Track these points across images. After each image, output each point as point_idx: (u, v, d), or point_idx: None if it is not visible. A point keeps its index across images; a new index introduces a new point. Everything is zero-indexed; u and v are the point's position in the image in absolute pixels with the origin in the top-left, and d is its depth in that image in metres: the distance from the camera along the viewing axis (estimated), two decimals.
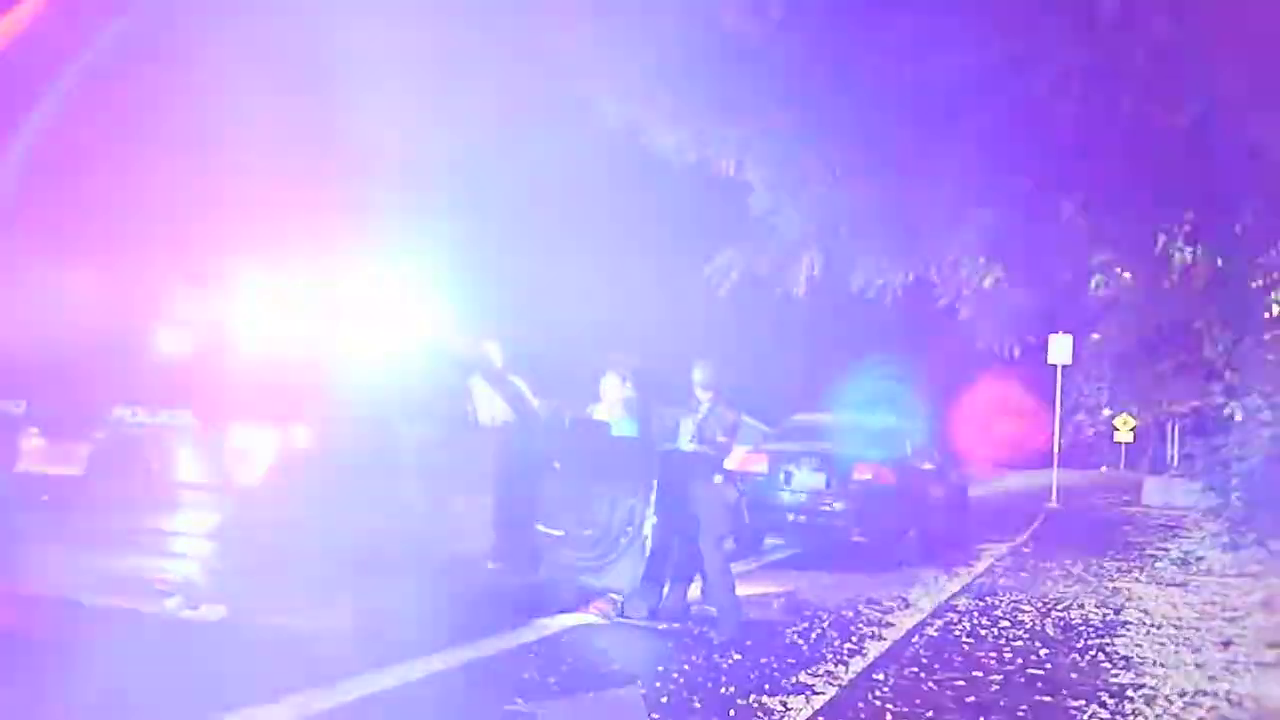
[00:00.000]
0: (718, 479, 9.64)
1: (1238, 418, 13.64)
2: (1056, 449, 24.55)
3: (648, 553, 8.81)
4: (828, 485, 13.32)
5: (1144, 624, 9.64)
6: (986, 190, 8.50)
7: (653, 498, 8.98)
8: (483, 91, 10.08)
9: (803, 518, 13.37)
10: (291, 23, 8.73)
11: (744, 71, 7.77)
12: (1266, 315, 9.05)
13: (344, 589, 6.59)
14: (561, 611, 8.74)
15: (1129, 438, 32.91)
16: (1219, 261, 9.24)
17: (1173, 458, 30.01)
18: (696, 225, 11.72)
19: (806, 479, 13.37)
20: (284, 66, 9.19)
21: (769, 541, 13.87)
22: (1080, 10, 6.31)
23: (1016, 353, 13.70)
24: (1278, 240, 8.78)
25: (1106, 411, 31.24)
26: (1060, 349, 21.10)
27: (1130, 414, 30.20)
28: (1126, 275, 12.84)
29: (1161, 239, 9.09)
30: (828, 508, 13.26)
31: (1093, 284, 12.15)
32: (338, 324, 7.79)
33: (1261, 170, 7.16)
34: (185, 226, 8.95)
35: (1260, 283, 8.84)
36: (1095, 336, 21.97)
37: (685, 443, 10.02)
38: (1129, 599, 11.01)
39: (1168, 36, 5.43)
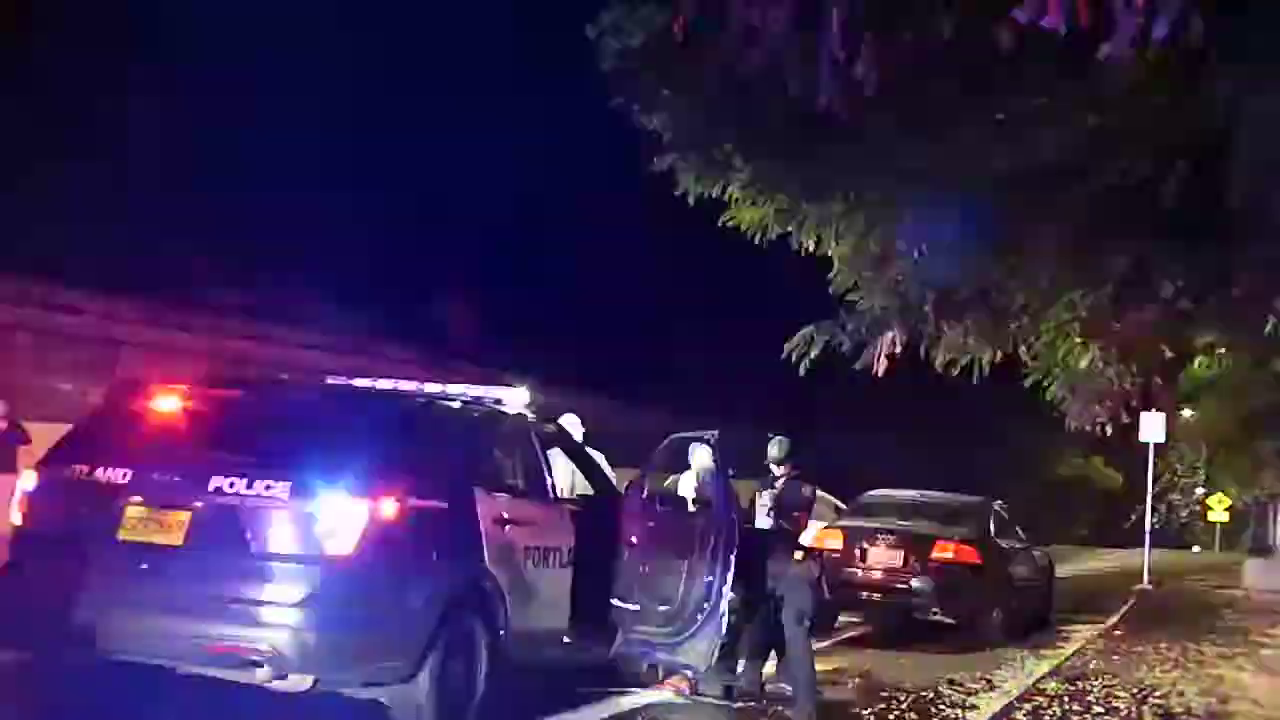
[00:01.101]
0: (798, 555, 9.53)
1: None
2: (1149, 528, 23.69)
3: (725, 630, 8.71)
4: (905, 563, 13.06)
5: (1254, 715, 9.16)
6: (1083, 268, 8.35)
7: (730, 574, 8.90)
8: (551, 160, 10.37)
9: (878, 595, 13.12)
10: None
11: (830, 149, 7.81)
12: None
13: (426, 661, 6.62)
14: (637, 688, 8.66)
15: (1224, 518, 31.66)
16: None
17: (1275, 539, 28.70)
18: (779, 300, 11.77)
19: (883, 556, 13.13)
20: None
21: (844, 619, 13.60)
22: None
23: (1108, 432, 13.33)
24: None
25: (1200, 491, 30.14)
26: (1153, 427, 20.52)
27: (1226, 494, 29.07)
28: (1222, 353, 12.46)
29: (1271, 320, 8.79)
30: (904, 585, 12.98)
31: (1196, 364, 11.78)
32: (424, 393, 7.94)
33: None
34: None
35: None
36: (1187, 413, 21.31)
37: (762, 517, 9.95)
38: (1235, 688, 10.48)
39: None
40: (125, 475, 6.50)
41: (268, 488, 6.29)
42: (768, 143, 8.75)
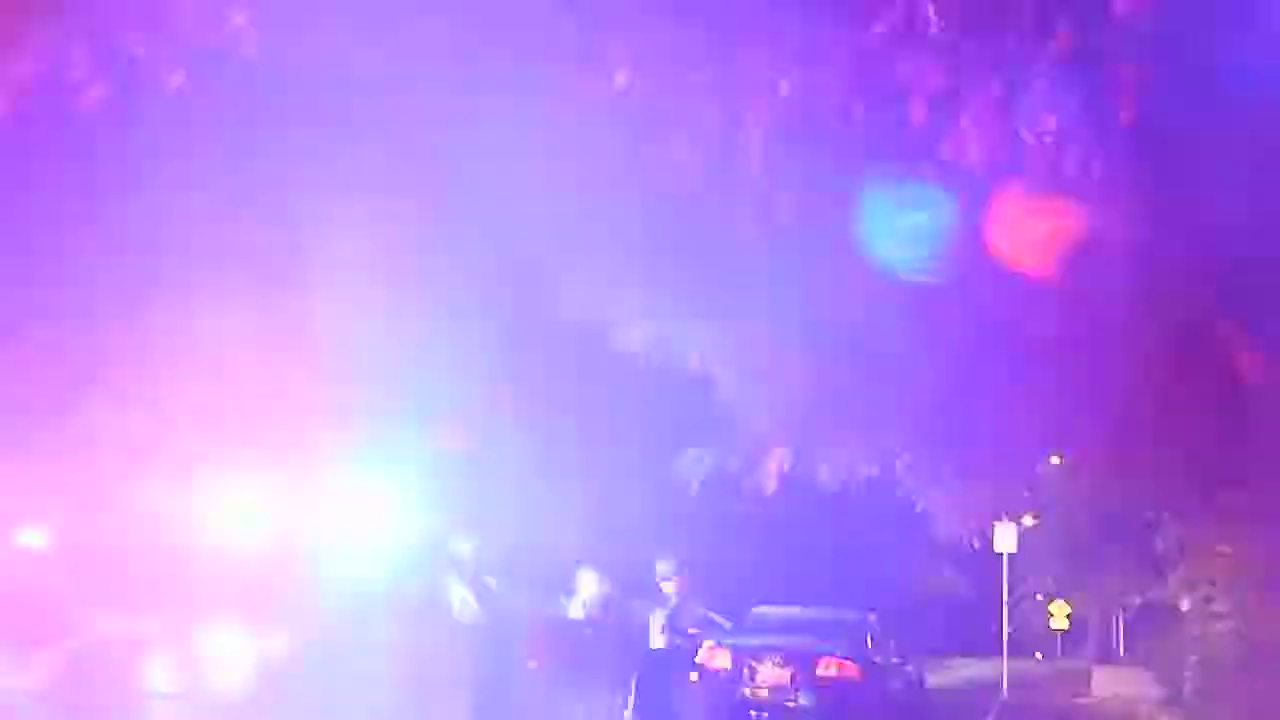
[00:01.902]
0: (693, 676, 9.51)
1: (1183, 608, 13.85)
2: (1005, 638, 24.45)
3: None
4: (792, 681, 13.15)
5: None
6: (956, 390, 8.85)
7: (630, 698, 8.83)
8: (446, 290, 10.33)
9: (766, 714, 13.12)
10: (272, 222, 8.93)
11: (722, 275, 8.12)
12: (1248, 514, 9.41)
13: None
14: None
15: (1064, 625, 32.89)
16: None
17: (1118, 646, 30.01)
18: (666, 420, 11.97)
19: (770, 674, 13.20)
20: (266, 263, 9.35)
21: None
22: None
23: (976, 544, 13.88)
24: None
25: (1040, 597, 31.35)
26: (1005, 537, 21.40)
27: (1067, 601, 30.28)
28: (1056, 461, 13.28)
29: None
30: (793, 703, 13.05)
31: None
32: (314, 524, 7.73)
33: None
34: (157, 422, 8.86)
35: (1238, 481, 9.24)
36: (1029, 521, 22.35)
37: (657, 637, 9.93)
38: None
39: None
40: None
41: None
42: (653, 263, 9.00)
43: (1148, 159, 4.16)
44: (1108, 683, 24.03)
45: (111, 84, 4.21)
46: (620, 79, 4.58)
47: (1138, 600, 19.23)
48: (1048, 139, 3.82)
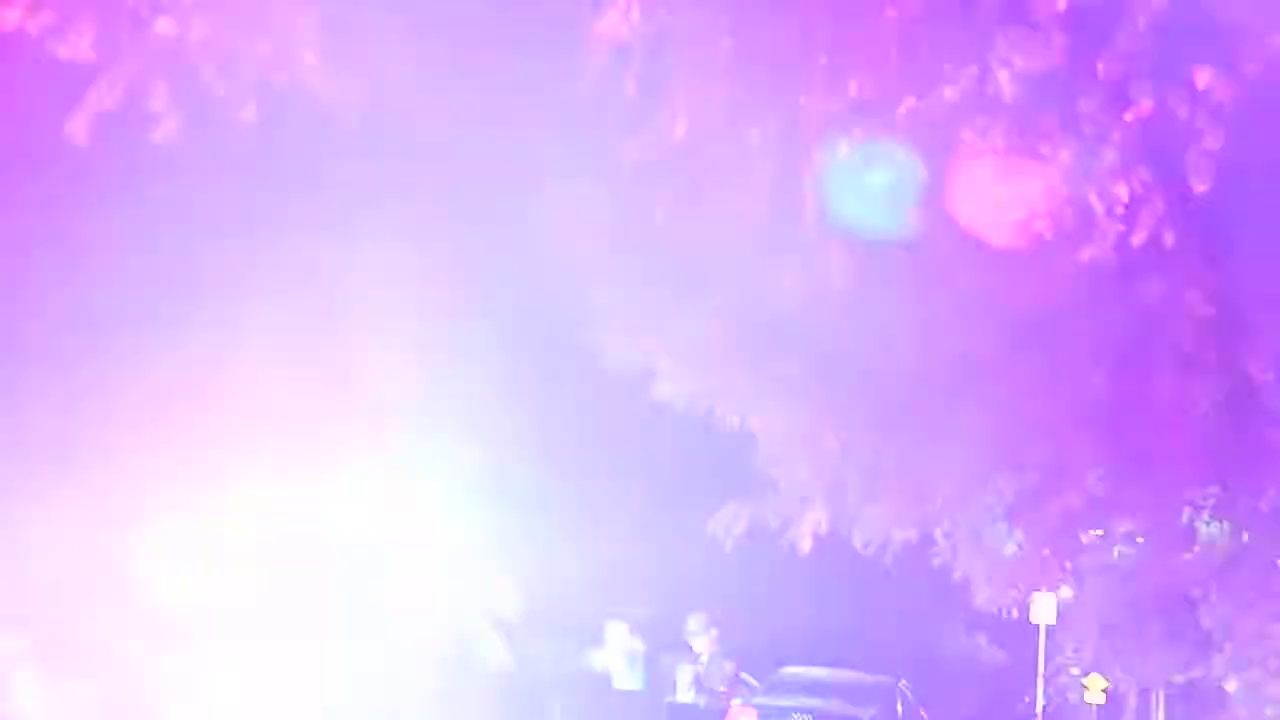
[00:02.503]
0: None
1: (1230, 689, 13.40)
2: (1039, 710, 23.81)
3: None
4: None
5: None
6: (1005, 455, 8.67)
7: None
8: (491, 337, 10.35)
9: None
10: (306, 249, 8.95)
11: (769, 330, 8.03)
12: None
13: None
14: None
15: (1100, 699, 32.02)
16: (1244, 536, 9.38)
17: None
18: (703, 475, 11.83)
19: None
20: (298, 294, 9.38)
21: None
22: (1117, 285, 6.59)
23: (1015, 614, 13.53)
24: None
25: (1075, 670, 30.58)
26: (1043, 608, 20.89)
27: (1103, 675, 29.49)
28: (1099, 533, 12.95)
29: (1187, 511, 9.24)
30: None
31: (1115, 553, 12.23)
32: (352, 563, 7.67)
33: None
34: (194, 454, 8.87)
35: None
36: (1065, 592, 21.82)
37: (684, 691, 9.77)
38: None
39: (1205, 312, 5.75)
40: None
41: None
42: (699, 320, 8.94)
43: (1220, 232, 4.06)
44: None
45: (187, 116, 4.26)
46: (680, 128, 4.54)
47: (1180, 679, 18.63)
48: (1119, 208, 3.73)
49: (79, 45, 4.19)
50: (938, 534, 11.39)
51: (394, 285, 8.67)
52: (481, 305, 9.62)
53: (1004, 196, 3.93)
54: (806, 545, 11.07)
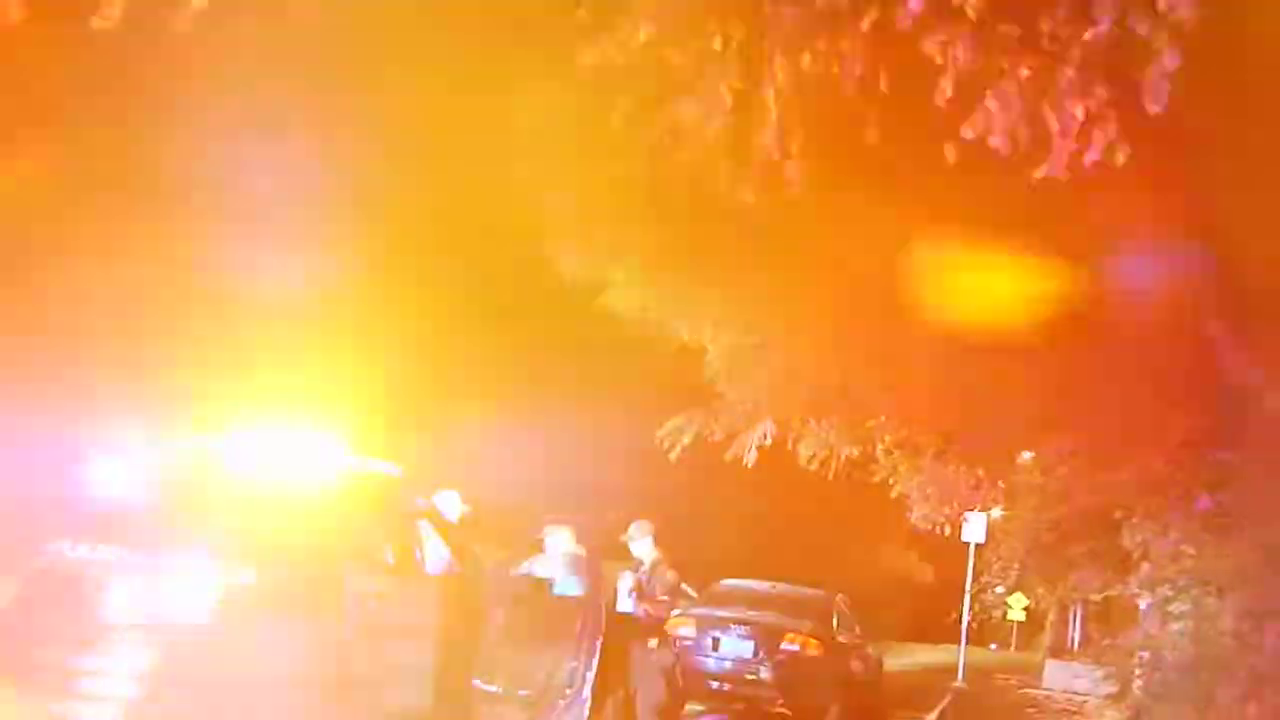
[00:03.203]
0: (653, 642, 9.53)
1: (1141, 606, 13.99)
2: (965, 627, 24.75)
3: (586, 716, 8.60)
4: (755, 654, 13.21)
5: None
6: (945, 376, 8.87)
7: (595, 660, 8.83)
8: (442, 242, 10.28)
9: (727, 685, 13.19)
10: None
11: (721, 246, 8.07)
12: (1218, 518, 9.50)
13: None
14: None
15: (1021, 617, 33.32)
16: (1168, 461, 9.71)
17: (1074, 641, 30.45)
18: (651, 387, 11.97)
19: (734, 646, 13.24)
20: (241, 196, 9.20)
21: (690, 708, 13.57)
22: None
23: (947, 531, 13.98)
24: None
25: (1000, 589, 31.67)
26: (975, 527, 21.60)
27: (1025, 594, 30.62)
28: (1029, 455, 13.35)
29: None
30: (754, 676, 13.11)
31: (1045, 473, 12.59)
32: (291, 459, 7.65)
33: None
34: (147, 358, 8.77)
35: (1210, 482, 9.31)
36: (997, 513, 22.56)
37: (624, 600, 9.94)
38: None
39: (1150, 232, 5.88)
40: None
41: None
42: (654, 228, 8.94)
43: (1174, 154, 4.13)
44: (1060, 676, 24.38)
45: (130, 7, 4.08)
46: (644, 33, 4.48)
47: (1098, 596, 19.46)
48: (1073, 125, 3.78)
49: None
50: (879, 451, 11.70)
51: (343, 188, 8.56)
52: (434, 211, 9.54)
53: (960, 110, 3.96)
54: (750, 458, 11.32)
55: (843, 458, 11.70)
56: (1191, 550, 10.53)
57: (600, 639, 8.86)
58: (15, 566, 6.16)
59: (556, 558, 10.00)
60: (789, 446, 11.41)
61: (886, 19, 3.92)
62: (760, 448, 11.23)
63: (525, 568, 9.61)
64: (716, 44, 4.69)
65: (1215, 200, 5.11)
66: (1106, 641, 15.15)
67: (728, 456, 11.40)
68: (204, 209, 8.65)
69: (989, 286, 7.43)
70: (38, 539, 6.14)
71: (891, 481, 12.66)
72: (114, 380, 8.78)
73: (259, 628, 6.33)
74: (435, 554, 8.83)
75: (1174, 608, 11.91)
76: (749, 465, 11.33)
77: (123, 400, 7.57)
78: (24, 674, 5.88)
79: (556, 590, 9.30)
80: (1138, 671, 13.36)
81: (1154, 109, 3.64)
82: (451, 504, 9.22)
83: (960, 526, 20.01)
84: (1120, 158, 3.82)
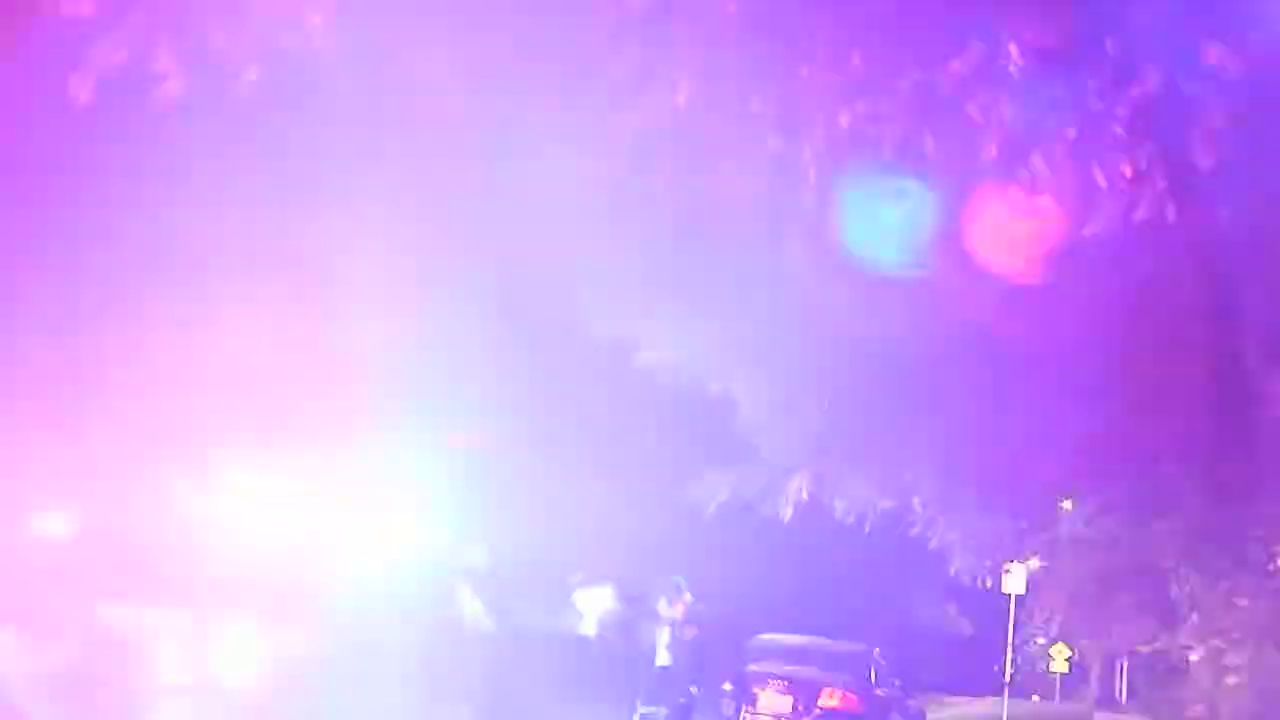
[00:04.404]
0: (694, 690, 9.46)
1: (1193, 659, 13.69)
2: (1008, 679, 24.22)
3: None
4: (794, 709, 13.01)
5: None
6: (986, 427, 8.78)
7: (635, 715, 8.77)
8: (479, 302, 10.33)
9: None
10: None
11: (753, 301, 8.07)
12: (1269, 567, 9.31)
13: None
14: None
15: (1064, 668, 32.60)
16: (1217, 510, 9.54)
17: (1121, 693, 29.73)
18: (685, 442, 11.93)
19: (772, 701, 13.05)
20: (295, 269, 9.33)
21: None
22: None
23: (988, 583, 13.74)
24: None
25: (1041, 640, 31.03)
26: (1015, 578, 21.24)
27: (1069, 645, 30.01)
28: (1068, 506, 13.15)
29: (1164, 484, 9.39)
30: None
31: (1088, 524, 12.39)
32: (330, 524, 7.69)
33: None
34: (180, 418, 8.83)
35: (1261, 533, 9.13)
36: (1034, 563, 22.19)
37: (662, 654, 9.87)
38: None
39: (1199, 290, 5.84)
40: None
41: None
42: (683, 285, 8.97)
43: (1219, 210, 4.11)
44: None
45: (190, 78, 4.19)
46: (682, 97, 4.54)
47: (1145, 648, 19.03)
48: (1122, 184, 3.78)
49: (82, 1, 4.12)
50: (915, 503, 11.55)
51: (385, 252, 8.64)
52: (471, 272, 9.60)
53: (1007, 172, 3.97)
54: (787, 513, 11.21)
55: (879, 511, 11.56)
56: (1244, 601, 10.31)
57: (640, 696, 8.79)
58: (68, 629, 6.18)
59: (595, 615, 9.97)
60: (825, 500, 11.30)
61: (928, 80, 3.95)
62: (796, 502, 11.13)
63: (566, 624, 9.59)
64: (755, 106, 4.73)
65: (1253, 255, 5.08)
66: (1157, 694, 14.77)
67: (764, 511, 11.30)
68: (253, 272, 8.77)
69: (1029, 340, 7.39)
70: (89, 600, 6.16)
71: (929, 534, 12.49)
72: (165, 442, 8.85)
73: (305, 691, 6.34)
74: (474, 611, 8.84)
75: (1229, 660, 11.64)
76: (785, 519, 11.22)
77: (173, 462, 7.62)
78: None
79: (595, 647, 9.27)
80: None
81: (1203, 165, 3.64)
82: (482, 559, 9.20)
83: (1000, 578, 19.68)
84: (1170, 214, 3.81)
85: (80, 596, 6.49)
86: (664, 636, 10.21)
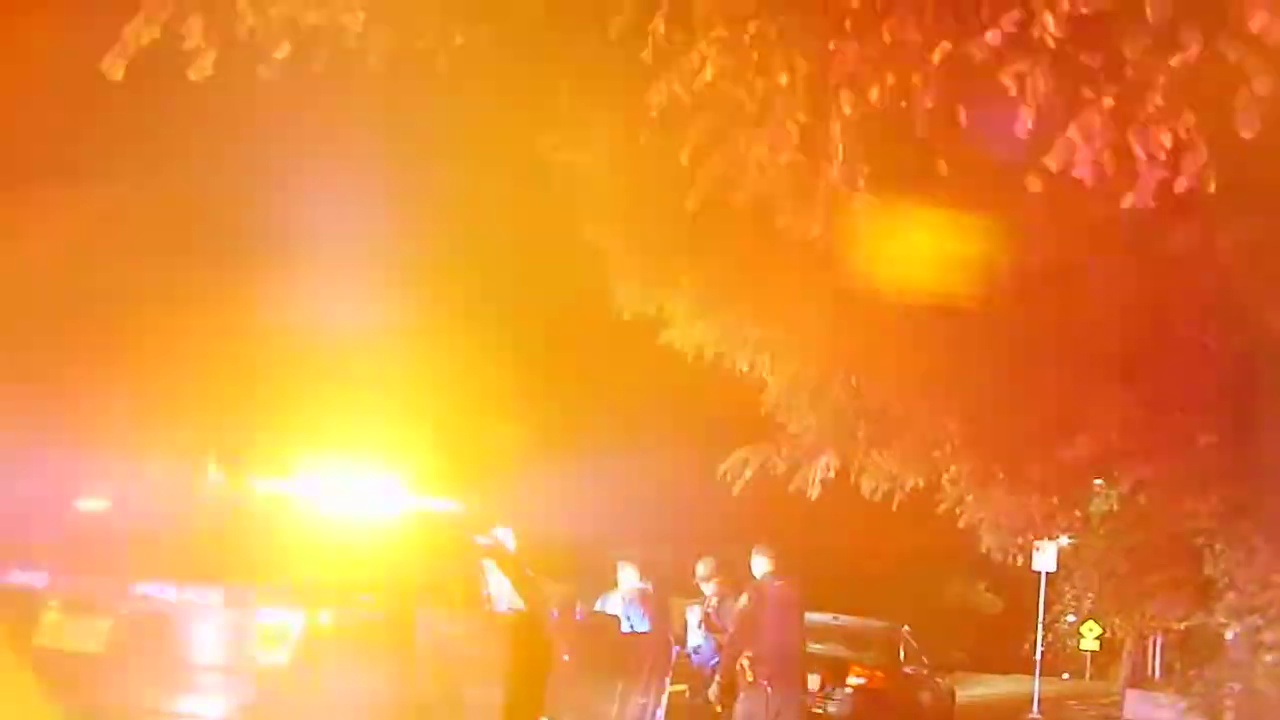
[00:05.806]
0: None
1: (1228, 636, 13.53)
2: (1038, 657, 24.17)
3: None
4: (822, 687, 13.02)
5: None
6: (1017, 403, 8.69)
7: (664, 697, 8.76)
8: (508, 273, 10.37)
9: None
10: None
11: (781, 279, 8.00)
12: None
13: None
14: None
15: (1094, 646, 32.46)
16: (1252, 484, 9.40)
17: (1154, 670, 29.58)
18: (713, 421, 11.91)
19: None
20: (315, 244, 9.36)
21: None
22: None
23: (1018, 560, 13.65)
24: None
25: (1071, 617, 30.83)
26: (1045, 556, 21.15)
27: (1098, 623, 29.82)
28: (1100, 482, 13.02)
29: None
30: (821, 709, 12.93)
31: (1119, 501, 12.28)
32: (358, 500, 7.69)
33: None
34: (217, 401, 8.92)
35: None
36: (1068, 542, 22.03)
37: (694, 634, 9.88)
38: None
39: (1233, 260, 5.71)
40: None
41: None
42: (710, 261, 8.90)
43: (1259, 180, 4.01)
44: (1141, 705, 23.65)
45: (221, 57, 4.18)
46: (708, 70, 4.47)
47: (1179, 625, 18.89)
48: (1162, 155, 3.68)
49: None
50: (944, 480, 11.48)
51: (409, 232, 8.66)
52: (498, 250, 9.62)
53: (1042, 142, 3.88)
54: (815, 491, 11.18)
55: (907, 488, 11.49)
56: None
57: (668, 675, 8.79)
58: (108, 608, 6.24)
59: (623, 594, 9.97)
60: (852, 479, 11.25)
61: (960, 51, 3.86)
62: (823, 480, 11.08)
63: (596, 604, 9.59)
64: (783, 79, 4.65)
65: None
66: (1192, 672, 14.66)
67: (791, 489, 11.27)
68: (272, 252, 8.82)
69: (1059, 316, 7.29)
70: (128, 580, 6.22)
71: (958, 511, 12.41)
72: (186, 423, 8.94)
73: (336, 668, 6.36)
74: (501, 591, 8.84)
75: (1266, 637, 11.50)
76: (812, 498, 11.17)
77: (196, 443, 7.69)
78: (118, 717, 5.95)
79: (623, 627, 9.25)
80: (1229, 703, 12.93)
81: (1246, 134, 3.53)
82: (511, 540, 9.23)
83: (1031, 555, 19.59)
84: (1212, 186, 3.71)
85: (120, 575, 6.53)
86: (695, 617, 10.23)
